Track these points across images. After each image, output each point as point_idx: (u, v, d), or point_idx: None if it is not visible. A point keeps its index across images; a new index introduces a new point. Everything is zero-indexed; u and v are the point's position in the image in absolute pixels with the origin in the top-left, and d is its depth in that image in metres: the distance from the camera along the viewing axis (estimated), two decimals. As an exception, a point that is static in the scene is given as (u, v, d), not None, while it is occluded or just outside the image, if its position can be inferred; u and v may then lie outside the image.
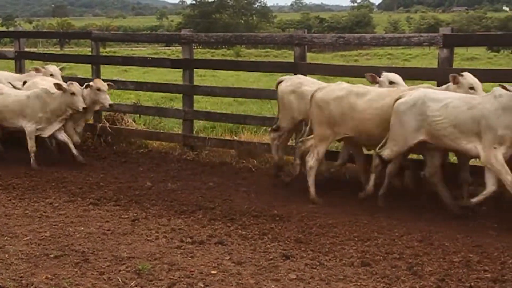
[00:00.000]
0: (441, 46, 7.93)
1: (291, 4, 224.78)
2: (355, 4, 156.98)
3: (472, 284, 5.06)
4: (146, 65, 11.88)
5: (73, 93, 8.85)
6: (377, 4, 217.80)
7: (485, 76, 8.52)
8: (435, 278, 5.17)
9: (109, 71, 10.20)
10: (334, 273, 5.31)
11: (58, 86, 8.94)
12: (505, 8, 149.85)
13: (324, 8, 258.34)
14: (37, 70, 10.28)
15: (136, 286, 5.05)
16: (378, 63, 37.30)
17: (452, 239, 6.11)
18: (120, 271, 5.35)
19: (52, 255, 5.72)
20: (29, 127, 9.11)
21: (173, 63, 11.44)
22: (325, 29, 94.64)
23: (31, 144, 9.14)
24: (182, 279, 5.16)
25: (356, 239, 6.17)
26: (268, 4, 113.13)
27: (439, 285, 5.05)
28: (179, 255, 5.73)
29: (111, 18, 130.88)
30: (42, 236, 6.28)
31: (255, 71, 12.99)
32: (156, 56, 16.95)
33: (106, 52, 38.47)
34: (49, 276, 5.23)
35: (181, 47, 10.64)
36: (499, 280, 5.12)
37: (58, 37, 43.94)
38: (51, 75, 10.17)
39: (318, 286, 5.02)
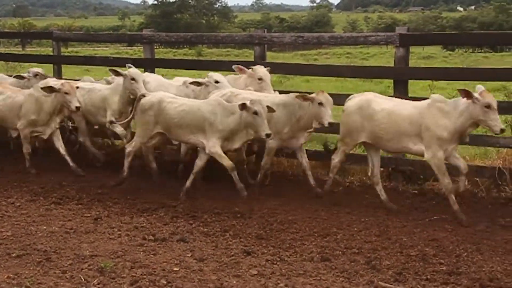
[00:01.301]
0: (398, 45, 8.10)
1: (252, 4, 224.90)
2: (314, 4, 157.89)
3: (429, 277, 5.19)
4: (108, 65, 11.86)
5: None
6: (335, 4, 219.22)
7: (440, 74, 8.79)
8: (393, 272, 5.29)
9: (71, 71, 10.16)
10: (294, 268, 5.39)
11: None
12: (459, 8, 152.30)
13: (284, 8, 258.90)
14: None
15: (98, 284, 5.07)
16: (337, 62, 37.61)
17: (409, 234, 6.24)
18: (82, 269, 5.36)
19: (14, 255, 5.71)
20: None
21: (135, 63, 11.33)
22: (285, 29, 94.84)
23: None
24: (145, 276, 5.19)
25: (316, 234, 6.27)
26: (229, 4, 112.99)
27: (396, 278, 5.17)
28: (141, 253, 5.76)
29: (73, 18, 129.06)
30: (3, 236, 6.26)
31: (216, 71, 12.97)
32: (118, 56, 16.88)
33: (68, 52, 38.07)
34: (11, 275, 5.22)
35: (142, 47, 10.65)
36: (454, 273, 5.26)
37: (20, 37, 43.27)
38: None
39: (278, 281, 5.09)
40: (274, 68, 9.55)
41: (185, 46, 55.27)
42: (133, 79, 8.36)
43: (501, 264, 5.43)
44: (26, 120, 8.74)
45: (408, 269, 5.36)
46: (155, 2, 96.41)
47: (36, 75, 9.58)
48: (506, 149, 7.74)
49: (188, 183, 7.59)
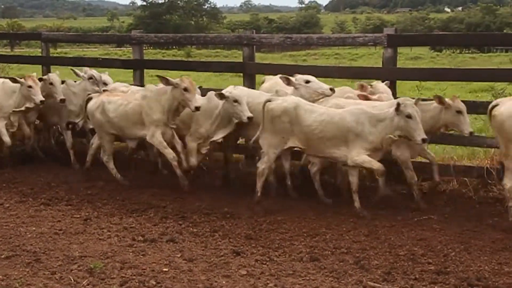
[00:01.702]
0: (386, 46, 8.13)
1: (240, 5, 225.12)
2: (303, 5, 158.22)
3: (417, 276, 5.23)
4: (97, 65, 11.89)
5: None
6: (324, 5, 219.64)
7: (427, 75, 8.84)
8: (382, 271, 5.32)
9: (60, 72, 10.21)
10: (283, 268, 5.42)
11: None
12: (446, 9, 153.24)
13: (272, 9, 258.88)
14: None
15: (88, 285, 5.08)
16: (325, 63, 37.72)
17: (397, 233, 6.29)
18: (72, 270, 5.37)
19: (3, 256, 5.72)
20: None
21: (124, 64, 11.45)
22: (273, 29, 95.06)
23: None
24: (134, 277, 5.20)
25: (305, 234, 6.31)
26: (218, 5, 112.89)
27: (385, 278, 5.20)
28: (131, 253, 5.78)
29: (62, 19, 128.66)
30: (-7, 237, 6.26)
31: (205, 71, 13.00)
32: (107, 57, 16.90)
33: (57, 53, 37.96)
34: (0, 276, 5.22)
35: (131, 48, 10.66)
36: (442, 272, 5.30)
37: (8, 38, 43.09)
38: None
39: (268, 282, 5.12)
40: (263, 69, 9.59)
41: (174, 47, 55.28)
42: (235, 101, 7.60)
43: (489, 264, 5.47)
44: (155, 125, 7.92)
45: (397, 269, 5.40)
46: (144, 3, 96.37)
47: (90, 77, 9.34)
48: (493, 149, 7.79)
49: (356, 204, 6.96)
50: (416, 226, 6.54)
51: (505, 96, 9.12)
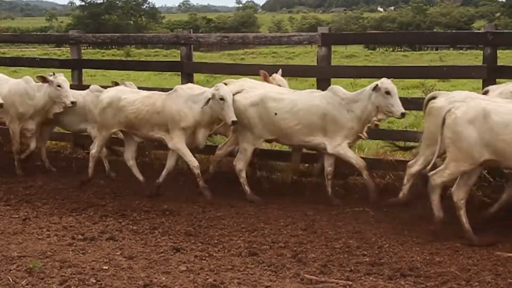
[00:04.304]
0: (320, 44, 8.30)
1: (179, 5, 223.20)
2: (240, 5, 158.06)
3: (352, 268, 5.35)
4: (35, 65, 11.76)
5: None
6: (261, 5, 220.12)
7: (361, 72, 9.05)
8: (318, 264, 5.43)
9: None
10: (222, 264, 5.48)
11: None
12: (379, 9, 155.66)
13: (210, 9, 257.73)
14: None
15: (27, 285, 5.03)
16: (263, 62, 37.85)
17: (334, 227, 6.42)
18: (10, 270, 5.31)
19: None
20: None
21: (62, 64, 11.34)
22: (212, 29, 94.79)
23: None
24: (74, 275, 5.17)
25: (244, 230, 6.39)
26: (157, 5, 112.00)
27: (322, 270, 5.31)
28: (70, 252, 5.75)
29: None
30: None
31: (144, 71, 12.99)
32: (46, 57, 16.69)
33: (-5, 53, 37.05)
34: None
35: (70, 48, 10.58)
36: (377, 264, 5.44)
37: None
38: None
39: (207, 277, 5.15)
40: (200, 68, 9.66)
41: (113, 47, 54.66)
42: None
43: (421, 254, 5.63)
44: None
45: (333, 261, 5.51)
46: (83, 3, 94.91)
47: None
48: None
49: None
50: (352, 219, 6.69)
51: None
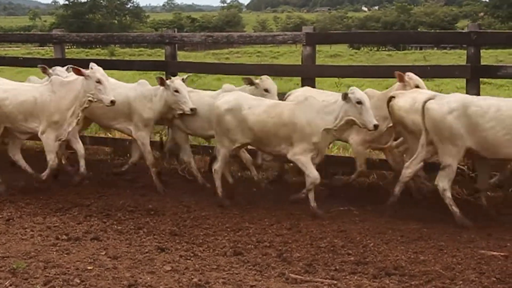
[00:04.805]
0: (304, 44, 8.33)
1: (163, 5, 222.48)
2: (225, 5, 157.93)
3: (337, 267, 5.37)
4: (17, 65, 11.72)
5: None
6: (245, 4, 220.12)
7: (346, 71, 9.08)
8: (303, 263, 5.45)
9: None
10: (207, 263, 5.48)
11: None
12: (364, 8, 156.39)
13: (195, 8, 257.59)
14: None
15: (10, 285, 5.01)
16: (248, 61, 37.87)
17: (318, 226, 6.43)
18: (-6, 271, 5.28)
19: None
20: None
21: (45, 63, 11.22)
22: (196, 28, 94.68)
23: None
24: (58, 276, 5.16)
25: (229, 229, 6.39)
26: (141, 5, 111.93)
27: (307, 269, 5.32)
28: (54, 253, 5.73)
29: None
30: None
31: (129, 70, 12.98)
32: (29, 56, 16.59)
33: (-22, 52, 36.79)
34: None
35: (53, 47, 10.55)
36: (361, 262, 5.46)
37: None
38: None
39: (192, 277, 5.15)
40: (185, 67, 9.64)
41: (97, 46, 54.50)
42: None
43: (405, 253, 5.66)
44: None
45: (318, 261, 5.52)
46: (66, 2, 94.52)
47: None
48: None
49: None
50: (337, 218, 6.70)
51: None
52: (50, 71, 8.25)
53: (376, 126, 6.42)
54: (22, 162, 8.06)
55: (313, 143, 6.68)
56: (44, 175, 7.68)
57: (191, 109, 7.62)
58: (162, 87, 7.76)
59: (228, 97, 7.15)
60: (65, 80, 7.63)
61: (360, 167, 7.42)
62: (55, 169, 7.75)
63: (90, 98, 7.34)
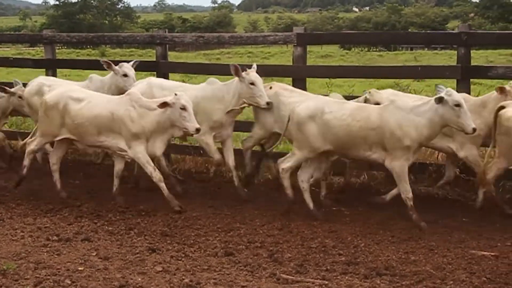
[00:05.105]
0: (295, 44, 8.33)
1: (154, 5, 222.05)
2: (216, 5, 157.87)
3: (328, 267, 5.38)
4: (7, 65, 11.68)
5: None
6: (237, 4, 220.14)
7: (337, 72, 9.08)
8: (294, 264, 5.45)
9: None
10: (199, 264, 5.48)
11: None
12: (354, 9, 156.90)
13: (186, 8, 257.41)
14: None
15: (1, 286, 4.99)
16: (239, 61, 37.89)
17: (309, 226, 6.44)
18: (-16, 272, 5.26)
19: None
20: None
21: (36, 63, 11.28)
22: (187, 29, 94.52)
23: None
24: (49, 277, 5.15)
25: (220, 230, 6.40)
26: (132, 5, 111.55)
27: (298, 270, 5.33)
28: (45, 253, 5.72)
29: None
30: None
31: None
32: (20, 57, 16.57)
33: (-32, 52, 36.68)
34: None
35: (43, 48, 10.52)
36: (352, 263, 5.48)
37: None
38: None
39: (183, 277, 5.15)
40: (176, 67, 9.64)
41: (88, 46, 54.40)
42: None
43: (396, 253, 5.68)
44: None
45: (309, 261, 5.54)
46: (57, 3, 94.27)
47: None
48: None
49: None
50: (328, 219, 6.70)
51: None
52: (117, 67, 8.18)
53: (474, 130, 6.13)
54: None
55: (406, 147, 6.32)
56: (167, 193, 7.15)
57: (267, 103, 7.24)
58: (235, 81, 7.38)
59: (308, 103, 6.78)
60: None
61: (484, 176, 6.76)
62: (160, 180, 7.09)
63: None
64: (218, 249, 5.83)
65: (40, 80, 8.68)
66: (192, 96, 7.26)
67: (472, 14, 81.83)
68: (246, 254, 5.71)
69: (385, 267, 5.34)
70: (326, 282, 5.05)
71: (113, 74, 8.17)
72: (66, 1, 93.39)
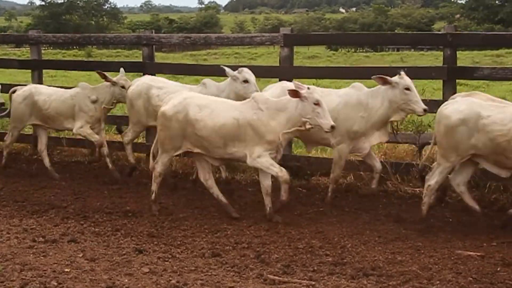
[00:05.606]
0: (282, 45, 8.35)
1: (141, 6, 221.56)
2: (203, 6, 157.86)
3: (315, 268, 5.38)
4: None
5: None
6: (223, 5, 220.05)
7: (324, 73, 9.12)
8: (281, 265, 5.45)
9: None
10: (186, 265, 5.47)
11: None
12: (341, 10, 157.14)
13: (173, 9, 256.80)
14: None
15: (-13, 288, 4.98)
16: (226, 62, 37.90)
17: (296, 227, 6.44)
18: (-30, 274, 5.23)
19: None
20: None
21: (21, 64, 11.26)
22: (174, 29, 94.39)
23: None
24: (35, 278, 5.12)
25: (207, 231, 6.38)
26: (118, 6, 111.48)
27: (285, 270, 5.33)
28: (31, 255, 5.69)
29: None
30: None
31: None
32: (5, 57, 16.49)
33: (-48, 54, 36.45)
34: None
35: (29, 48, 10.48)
36: (339, 263, 5.48)
37: None
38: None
39: (170, 278, 5.14)
40: (162, 68, 9.63)
41: (74, 47, 54.25)
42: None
43: (383, 253, 5.69)
44: None
45: (296, 261, 5.53)
46: (43, 3, 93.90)
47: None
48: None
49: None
50: (315, 219, 6.72)
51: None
52: (236, 72, 7.53)
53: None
54: (215, 190, 6.99)
55: None
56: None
57: (424, 110, 6.64)
58: (384, 86, 6.81)
59: (459, 105, 6.18)
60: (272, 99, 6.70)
61: None
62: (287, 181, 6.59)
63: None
64: (205, 250, 5.82)
65: (146, 80, 8.19)
66: (335, 102, 6.97)
67: (458, 15, 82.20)
68: (233, 255, 5.70)
69: (372, 268, 5.35)
70: (313, 283, 5.05)
71: (232, 80, 7.50)
72: (52, 1, 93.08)
